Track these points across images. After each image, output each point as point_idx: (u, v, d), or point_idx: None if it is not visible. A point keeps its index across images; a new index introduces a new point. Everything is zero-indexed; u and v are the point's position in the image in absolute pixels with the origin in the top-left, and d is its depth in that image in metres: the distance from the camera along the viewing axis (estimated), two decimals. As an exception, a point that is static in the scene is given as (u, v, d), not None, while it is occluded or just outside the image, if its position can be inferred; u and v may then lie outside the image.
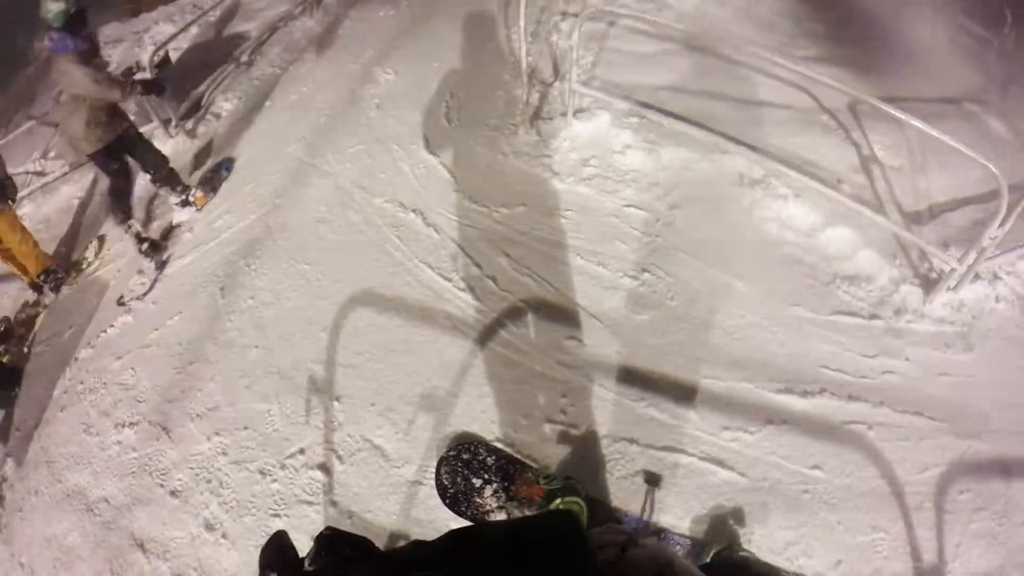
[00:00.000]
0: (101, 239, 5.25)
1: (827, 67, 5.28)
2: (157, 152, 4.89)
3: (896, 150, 4.62)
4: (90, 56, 4.23)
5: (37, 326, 4.87)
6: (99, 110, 4.32)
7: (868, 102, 4.49)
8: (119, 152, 4.61)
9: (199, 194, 5.00)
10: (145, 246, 4.72)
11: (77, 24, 4.11)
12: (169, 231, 4.98)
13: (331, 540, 0.96)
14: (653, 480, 3.02)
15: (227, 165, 5.25)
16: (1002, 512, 3.05)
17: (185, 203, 4.99)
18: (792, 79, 4.97)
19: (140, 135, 4.84)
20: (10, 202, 4.63)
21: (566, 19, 5.52)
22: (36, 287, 4.95)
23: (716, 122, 4.52)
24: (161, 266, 4.63)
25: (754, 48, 5.12)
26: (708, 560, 2.69)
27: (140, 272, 4.65)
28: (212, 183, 5.12)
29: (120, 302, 4.49)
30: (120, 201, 4.82)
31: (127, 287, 4.60)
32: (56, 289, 4.96)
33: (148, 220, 5.17)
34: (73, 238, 5.49)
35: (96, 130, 4.35)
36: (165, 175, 4.90)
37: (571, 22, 4.45)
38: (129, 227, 4.76)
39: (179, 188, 4.96)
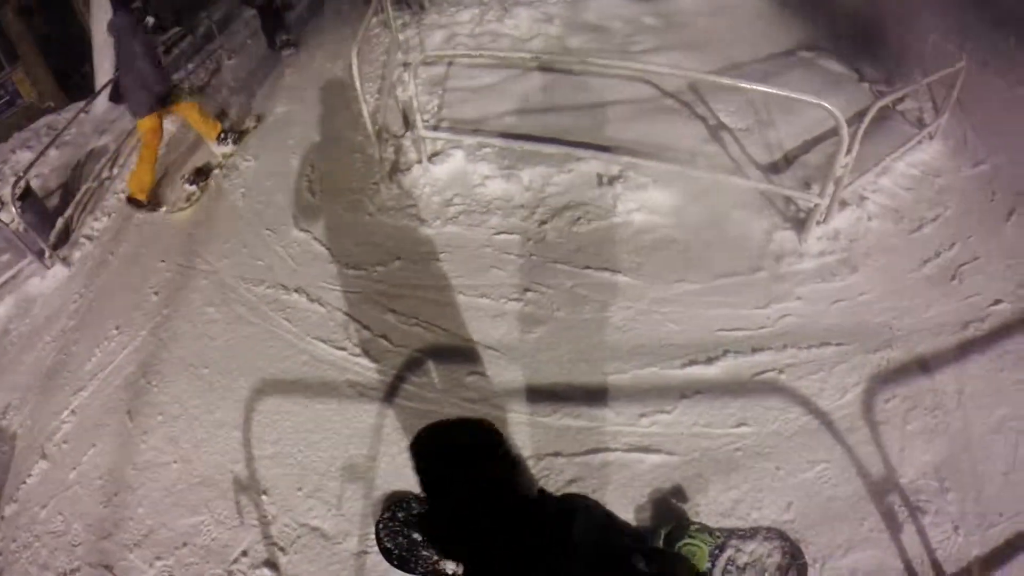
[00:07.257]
0: (259, 116, 6.29)
1: (665, 54, 5.57)
2: None
3: (741, 113, 4.85)
4: None
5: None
6: None
7: (699, 78, 4.74)
8: None
9: None
10: None
11: None
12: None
13: None
14: None
15: None
16: (933, 404, 3.15)
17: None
18: (631, 75, 5.18)
19: None
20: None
21: (407, 70, 5.63)
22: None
23: (567, 133, 4.67)
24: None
25: (585, 55, 5.36)
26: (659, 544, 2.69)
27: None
28: None
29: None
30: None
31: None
32: (237, 141, 5.95)
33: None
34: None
35: None
36: None
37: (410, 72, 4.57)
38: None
39: None
